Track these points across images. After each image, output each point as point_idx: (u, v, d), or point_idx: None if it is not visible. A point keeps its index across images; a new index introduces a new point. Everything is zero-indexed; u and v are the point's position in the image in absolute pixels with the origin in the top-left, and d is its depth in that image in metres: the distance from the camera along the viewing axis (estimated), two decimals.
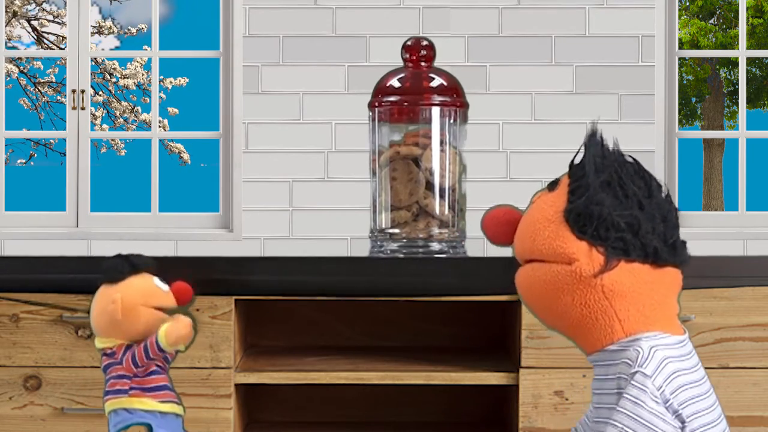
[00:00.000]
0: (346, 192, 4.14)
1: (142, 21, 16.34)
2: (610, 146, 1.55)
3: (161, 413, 1.81)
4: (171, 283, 1.84)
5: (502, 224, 1.59)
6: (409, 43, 2.43)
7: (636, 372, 1.44)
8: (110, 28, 15.84)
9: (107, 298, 1.82)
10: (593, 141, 1.55)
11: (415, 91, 2.38)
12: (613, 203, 1.48)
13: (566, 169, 1.57)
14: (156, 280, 1.83)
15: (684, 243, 1.52)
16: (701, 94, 17.87)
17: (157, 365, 1.82)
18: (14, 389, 2.21)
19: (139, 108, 16.04)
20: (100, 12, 16.32)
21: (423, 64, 2.42)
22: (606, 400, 1.50)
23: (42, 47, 15.58)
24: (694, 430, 1.46)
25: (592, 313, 1.48)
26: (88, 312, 1.85)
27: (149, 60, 12.65)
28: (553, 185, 1.55)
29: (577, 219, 1.48)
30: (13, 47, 15.18)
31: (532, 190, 1.62)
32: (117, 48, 20.38)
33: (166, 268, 1.87)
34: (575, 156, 1.56)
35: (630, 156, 1.57)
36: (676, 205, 1.56)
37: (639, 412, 1.43)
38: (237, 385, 2.23)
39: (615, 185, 1.49)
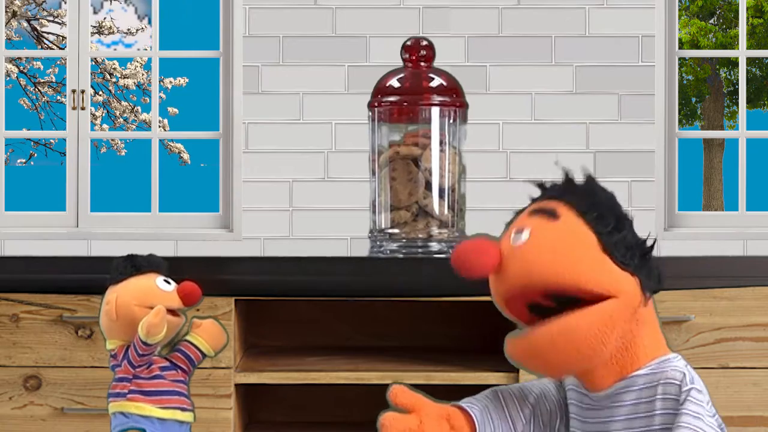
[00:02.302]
0: (345, 192, 4.14)
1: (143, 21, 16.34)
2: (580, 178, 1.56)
3: (160, 419, 1.79)
4: (180, 283, 1.83)
5: (484, 252, 1.51)
6: (408, 43, 2.42)
7: (691, 389, 1.46)
8: (110, 28, 15.83)
9: (105, 300, 1.82)
10: (591, 179, 1.54)
11: (414, 91, 2.38)
12: (632, 234, 1.49)
13: (564, 202, 1.50)
14: (159, 280, 1.82)
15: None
16: (701, 94, 17.86)
17: (162, 367, 1.81)
18: (14, 389, 2.21)
19: (139, 108, 16.04)
20: (136, 12, 16.34)
21: (423, 64, 2.42)
22: (641, 424, 1.50)
23: (42, 47, 15.58)
24: None
25: (624, 345, 1.49)
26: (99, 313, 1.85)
27: (149, 60, 12.66)
28: (551, 214, 1.48)
29: (617, 249, 1.46)
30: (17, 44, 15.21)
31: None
32: (116, 42, 20.41)
33: (172, 268, 1.86)
34: (551, 187, 1.54)
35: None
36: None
37: (703, 426, 1.45)
38: (237, 385, 2.23)
39: (624, 217, 1.50)
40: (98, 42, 16.40)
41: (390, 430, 1.48)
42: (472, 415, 1.54)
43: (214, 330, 1.84)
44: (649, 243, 1.49)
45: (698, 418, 1.45)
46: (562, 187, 1.53)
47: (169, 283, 1.83)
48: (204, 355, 1.84)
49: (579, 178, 1.54)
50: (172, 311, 1.80)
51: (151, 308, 1.79)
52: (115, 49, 17.79)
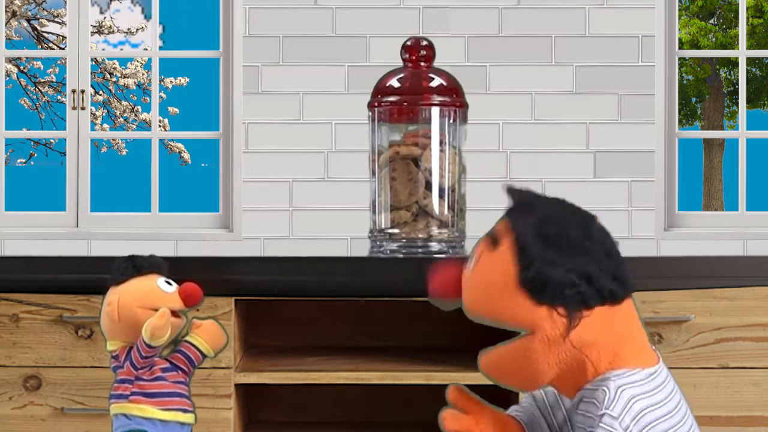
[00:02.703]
0: (345, 192, 4.14)
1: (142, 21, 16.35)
2: (532, 196, 1.54)
3: (162, 421, 1.79)
4: (181, 284, 1.83)
5: (444, 280, 1.57)
6: (408, 43, 2.42)
7: (604, 414, 1.46)
8: (110, 27, 15.83)
9: (106, 301, 1.82)
10: (528, 198, 1.53)
11: (414, 91, 2.38)
12: (561, 259, 1.46)
13: (510, 224, 1.51)
14: (161, 281, 1.82)
15: (629, 270, 1.52)
16: (701, 94, 17.86)
17: (163, 369, 1.81)
18: (14, 389, 2.21)
19: (139, 108, 16.04)
20: (143, 12, 16.35)
21: (423, 64, 2.42)
22: None
23: (42, 47, 15.58)
24: None
25: (567, 367, 1.51)
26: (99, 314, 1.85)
27: (149, 59, 12.66)
28: (494, 240, 1.50)
29: (532, 285, 1.46)
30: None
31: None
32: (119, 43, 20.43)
33: (172, 268, 1.86)
34: (512, 202, 1.54)
35: (553, 197, 1.55)
36: (612, 234, 1.54)
37: None
38: (237, 385, 2.23)
39: (558, 238, 1.47)
40: (105, 42, 16.41)
41: (450, 424, 1.58)
42: (522, 424, 1.62)
43: (213, 330, 1.84)
44: (585, 266, 1.46)
45: None
46: (513, 207, 1.53)
47: (170, 284, 1.82)
48: (204, 356, 1.84)
49: (529, 195, 1.53)
50: (173, 312, 1.80)
51: (154, 310, 1.79)
52: (121, 49, 17.81)
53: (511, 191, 1.54)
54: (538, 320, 1.48)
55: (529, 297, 1.47)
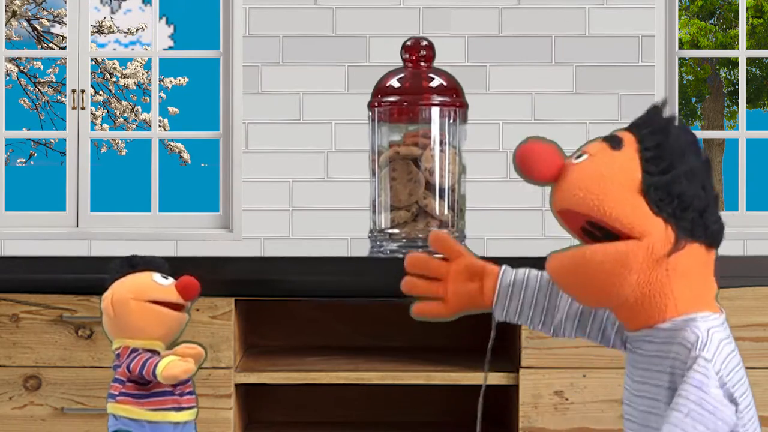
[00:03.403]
0: (345, 192, 4.14)
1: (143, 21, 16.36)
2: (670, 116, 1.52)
3: (150, 422, 1.78)
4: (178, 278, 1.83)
5: (542, 158, 1.52)
6: (408, 43, 2.43)
7: (698, 356, 1.44)
8: (110, 27, 15.83)
9: (102, 298, 1.81)
10: (669, 118, 1.51)
11: (414, 91, 2.38)
12: (688, 183, 1.44)
13: (636, 135, 1.48)
14: (156, 275, 1.81)
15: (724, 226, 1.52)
16: (701, 94, 17.86)
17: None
18: (14, 389, 2.21)
19: (139, 107, 16.04)
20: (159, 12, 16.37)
21: (423, 64, 2.42)
22: (652, 377, 1.50)
23: (42, 47, 15.58)
24: (741, 411, 1.47)
25: (650, 292, 1.46)
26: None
27: (149, 59, 12.65)
28: (615, 143, 1.47)
29: (657, 194, 1.43)
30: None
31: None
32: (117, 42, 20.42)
33: (172, 269, 1.86)
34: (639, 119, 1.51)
35: (688, 128, 1.54)
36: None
37: (705, 397, 1.43)
38: (237, 385, 2.23)
39: (688, 162, 1.45)
40: (116, 42, 16.43)
41: (414, 290, 1.66)
42: (498, 281, 1.61)
43: (177, 364, 1.76)
44: (707, 199, 1.45)
45: (702, 390, 1.44)
46: (644, 118, 1.51)
47: (166, 278, 1.82)
48: (155, 376, 1.78)
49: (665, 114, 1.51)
50: (174, 305, 1.79)
51: (149, 302, 1.77)
52: (132, 49, 17.82)
53: (652, 111, 1.50)
54: (651, 229, 1.43)
55: (650, 204, 1.43)
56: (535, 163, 1.51)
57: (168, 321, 1.79)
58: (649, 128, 1.48)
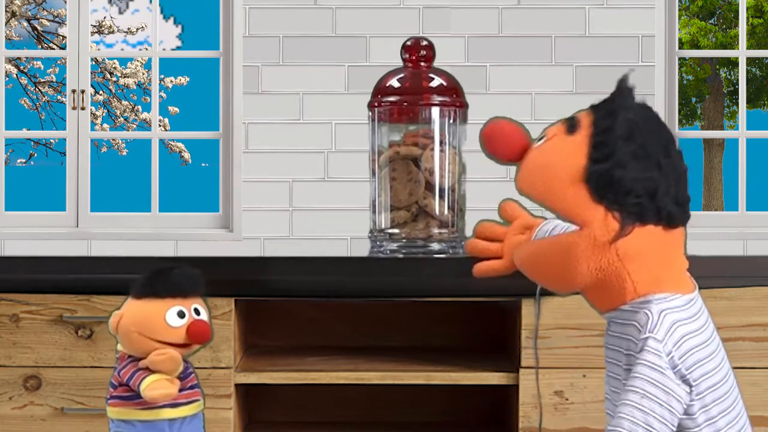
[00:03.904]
0: (345, 192, 4.14)
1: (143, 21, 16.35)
2: (636, 99, 1.53)
3: (142, 421, 1.77)
4: (193, 321, 1.75)
5: (508, 138, 1.56)
6: (408, 43, 2.42)
7: (648, 338, 1.45)
8: (110, 27, 15.83)
9: (117, 310, 1.78)
10: (624, 95, 1.52)
11: (414, 91, 2.38)
12: (634, 167, 1.45)
13: (592, 116, 1.51)
14: (170, 314, 1.74)
15: (689, 200, 1.52)
16: (701, 94, 17.86)
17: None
18: (14, 389, 2.21)
19: (139, 107, 16.03)
20: (162, 11, 16.41)
21: (423, 64, 2.42)
22: (615, 356, 1.53)
23: (42, 47, 15.58)
24: (700, 393, 1.47)
25: (606, 276, 1.48)
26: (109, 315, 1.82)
27: (149, 59, 12.65)
28: (572, 126, 1.50)
29: (597, 183, 1.45)
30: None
31: None
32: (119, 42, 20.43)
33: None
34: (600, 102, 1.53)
35: (652, 109, 1.53)
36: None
37: (657, 377, 1.44)
38: (237, 385, 2.23)
39: (637, 144, 1.46)
40: (124, 42, 16.44)
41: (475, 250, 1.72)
42: (536, 231, 1.70)
43: (158, 385, 1.72)
44: (653, 181, 1.45)
45: (654, 369, 1.44)
46: (608, 98, 1.53)
47: (182, 316, 1.75)
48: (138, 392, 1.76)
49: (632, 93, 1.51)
50: (180, 345, 1.75)
51: (152, 339, 1.73)
52: (140, 49, 17.82)
53: (619, 85, 1.52)
54: (591, 218, 1.45)
55: (591, 192, 1.45)
56: (500, 141, 1.56)
57: (171, 356, 1.74)
58: (603, 111, 1.49)
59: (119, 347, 1.80)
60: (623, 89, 1.50)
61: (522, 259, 1.55)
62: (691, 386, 1.46)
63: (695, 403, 1.47)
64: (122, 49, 15.78)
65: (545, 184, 1.48)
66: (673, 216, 1.47)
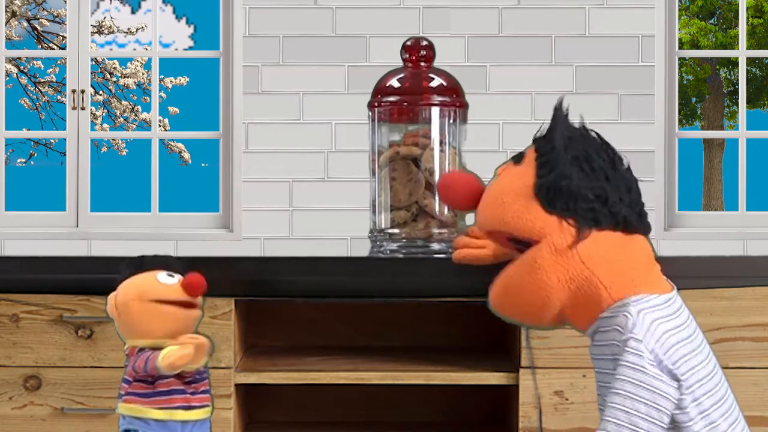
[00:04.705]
0: (345, 192, 4.14)
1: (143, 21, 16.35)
2: (575, 120, 1.59)
3: (157, 420, 1.77)
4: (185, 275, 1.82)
5: (462, 187, 1.61)
6: (408, 43, 2.42)
7: (628, 338, 1.47)
8: (110, 27, 15.83)
9: (108, 299, 1.81)
10: (560, 116, 1.58)
11: (414, 91, 2.38)
12: (580, 176, 1.50)
13: (534, 145, 1.59)
14: (161, 275, 1.80)
15: (647, 214, 1.56)
16: (701, 94, 17.86)
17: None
18: (14, 389, 2.21)
19: (139, 107, 16.03)
20: (174, 12, 16.43)
21: (423, 64, 2.42)
22: (603, 365, 1.54)
23: (42, 47, 15.58)
24: (690, 386, 1.48)
25: (579, 287, 1.50)
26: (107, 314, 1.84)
27: (149, 59, 12.64)
28: (518, 158, 1.57)
29: (547, 194, 1.50)
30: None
31: None
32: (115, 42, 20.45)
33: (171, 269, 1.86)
34: (540, 129, 1.59)
35: (593, 130, 1.59)
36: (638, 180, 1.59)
37: (639, 377, 1.45)
38: (237, 385, 2.23)
39: (582, 160, 1.52)
40: (137, 42, 16.44)
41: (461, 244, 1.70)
42: None
43: (173, 351, 1.75)
44: (603, 190, 1.50)
45: (637, 370, 1.45)
46: (545, 128, 1.59)
47: (172, 276, 1.81)
48: (158, 369, 1.77)
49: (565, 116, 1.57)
50: (184, 303, 1.78)
51: (152, 301, 1.77)
52: (146, 49, 17.81)
53: (555, 113, 1.57)
54: (546, 228, 1.49)
55: (542, 205, 1.49)
56: (455, 192, 1.62)
57: (174, 319, 1.77)
58: (543, 137, 1.55)
59: (126, 345, 1.80)
60: (558, 115, 1.55)
61: (494, 295, 1.58)
62: (679, 380, 1.47)
63: (686, 396, 1.48)
64: (134, 49, 15.75)
65: (500, 209, 1.54)
66: (630, 221, 1.52)
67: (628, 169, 1.57)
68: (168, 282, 1.79)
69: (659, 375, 1.46)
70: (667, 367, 1.47)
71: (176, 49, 18.03)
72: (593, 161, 1.52)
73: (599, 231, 1.50)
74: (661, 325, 1.49)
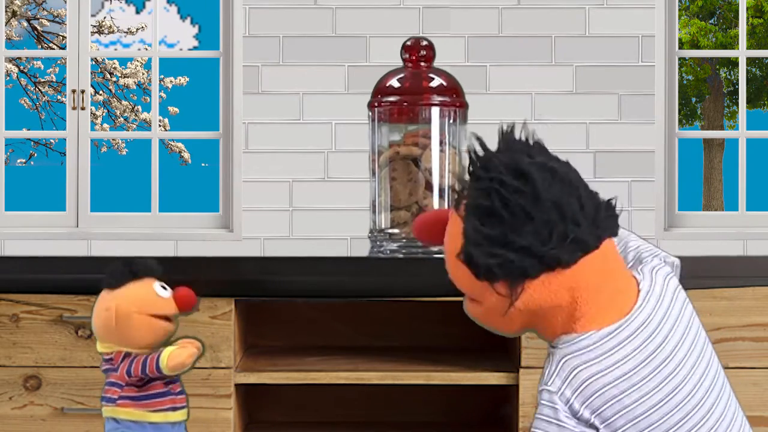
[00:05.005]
0: (345, 192, 4.14)
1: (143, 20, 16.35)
2: (493, 148, 1.54)
3: (152, 423, 1.78)
4: (176, 288, 1.83)
5: (436, 225, 1.59)
6: (408, 43, 2.42)
7: (542, 390, 1.45)
8: (110, 27, 15.83)
9: (103, 305, 1.81)
10: (479, 159, 1.49)
11: (414, 91, 2.38)
12: (496, 234, 1.41)
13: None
14: (157, 286, 1.81)
15: (610, 214, 1.46)
16: (701, 94, 17.86)
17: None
18: (14, 389, 2.21)
19: (139, 107, 16.04)
20: (179, 11, 16.43)
21: (423, 64, 2.42)
22: None
23: (42, 47, 15.58)
24: (620, 428, 1.42)
25: (530, 322, 1.50)
26: (92, 314, 1.85)
27: (149, 59, 12.65)
28: (456, 202, 1.49)
29: (469, 265, 1.45)
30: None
31: None
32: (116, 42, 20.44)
33: (166, 268, 1.86)
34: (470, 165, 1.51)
35: (520, 147, 1.54)
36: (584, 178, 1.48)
37: (552, 429, 1.43)
38: (237, 385, 2.23)
39: (495, 209, 1.42)
40: (141, 42, 16.45)
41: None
42: None
43: (179, 352, 1.77)
44: (521, 238, 1.40)
45: (551, 422, 1.44)
46: (473, 168, 1.51)
47: (165, 288, 1.82)
48: (160, 371, 1.78)
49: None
50: (166, 317, 1.80)
51: (151, 315, 1.78)
52: (146, 48, 17.84)
53: (504, 137, 1.54)
54: (481, 293, 1.48)
55: (471, 271, 1.46)
56: (430, 228, 1.59)
57: (160, 332, 1.81)
58: (474, 176, 1.47)
59: (102, 349, 1.81)
60: (473, 162, 1.50)
61: (466, 309, 1.59)
62: (597, 429, 1.44)
63: None
64: (139, 49, 15.75)
65: (450, 271, 1.52)
66: (561, 259, 1.41)
67: (563, 180, 1.44)
68: (164, 295, 1.80)
69: (575, 426, 1.44)
70: (585, 416, 1.43)
71: (181, 50, 18.06)
72: (512, 205, 1.40)
73: (533, 280, 1.42)
74: (583, 371, 1.43)
